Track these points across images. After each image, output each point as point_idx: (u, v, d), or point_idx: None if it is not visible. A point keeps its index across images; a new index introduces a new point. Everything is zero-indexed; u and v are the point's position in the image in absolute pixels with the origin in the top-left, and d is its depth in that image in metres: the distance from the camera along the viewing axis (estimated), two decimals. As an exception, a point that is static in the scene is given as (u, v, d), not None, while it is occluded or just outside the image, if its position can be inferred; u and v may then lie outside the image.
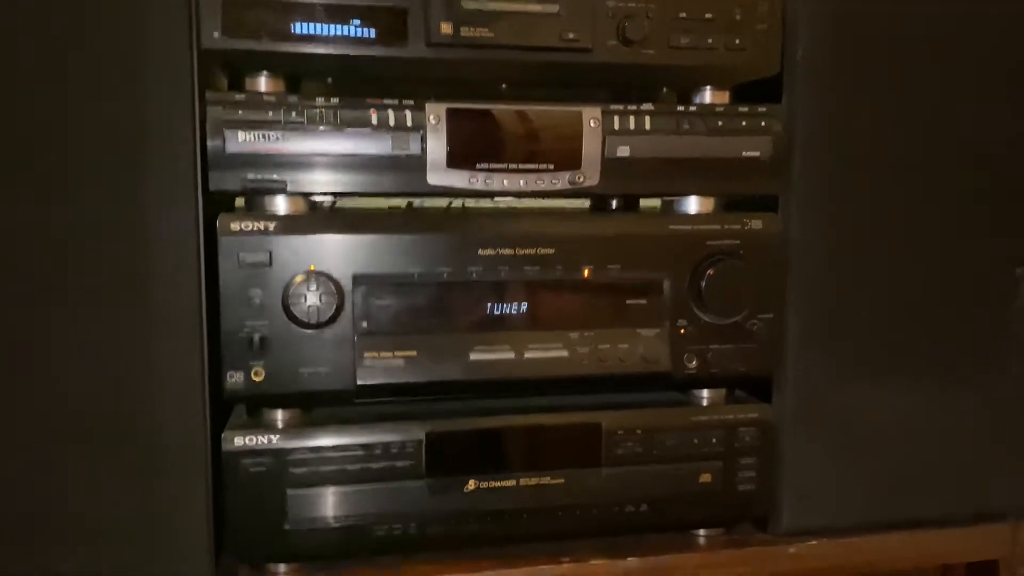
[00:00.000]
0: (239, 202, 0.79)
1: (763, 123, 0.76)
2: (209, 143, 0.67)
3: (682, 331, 0.77)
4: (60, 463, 0.67)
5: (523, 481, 0.75)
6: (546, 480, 0.75)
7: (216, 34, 0.65)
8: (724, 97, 0.79)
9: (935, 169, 0.80)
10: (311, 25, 0.67)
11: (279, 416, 0.73)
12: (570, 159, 0.73)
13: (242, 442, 0.70)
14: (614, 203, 0.92)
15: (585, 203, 0.96)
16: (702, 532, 0.81)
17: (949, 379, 0.82)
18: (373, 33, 0.68)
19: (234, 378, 0.69)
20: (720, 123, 0.75)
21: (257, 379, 0.70)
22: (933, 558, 0.85)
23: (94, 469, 0.67)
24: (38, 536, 0.67)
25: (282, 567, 0.74)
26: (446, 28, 0.68)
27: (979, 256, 0.82)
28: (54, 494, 0.67)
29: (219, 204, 0.72)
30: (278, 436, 0.71)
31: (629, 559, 0.77)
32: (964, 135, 0.80)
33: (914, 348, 0.81)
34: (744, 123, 0.76)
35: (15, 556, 0.67)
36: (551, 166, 0.73)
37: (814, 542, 0.80)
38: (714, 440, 0.78)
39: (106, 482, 0.68)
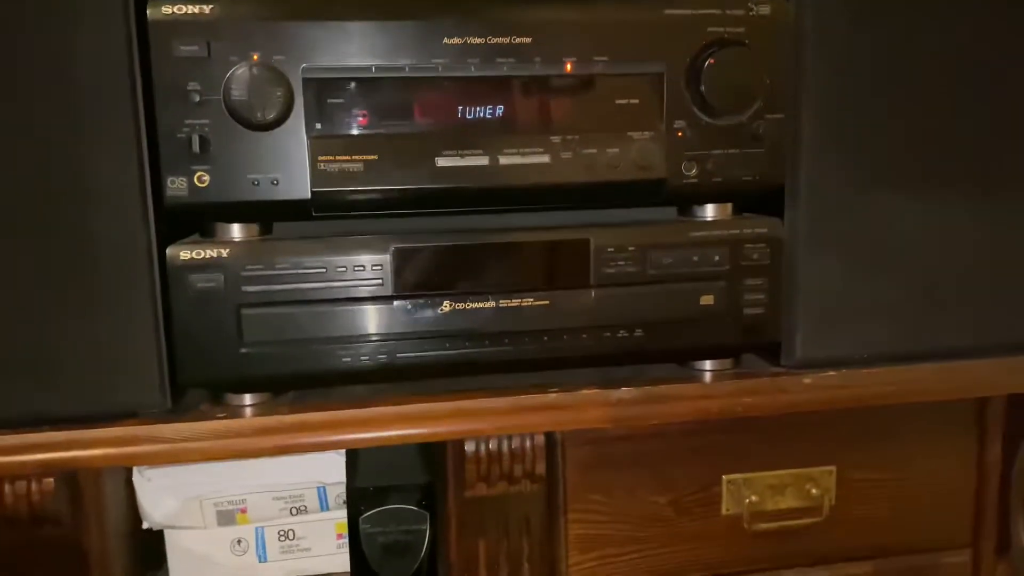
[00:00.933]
0: None
1: None
2: (131, -87, 0.59)
3: (680, 134, 0.68)
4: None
5: (503, 303, 0.68)
6: (528, 302, 0.68)
7: None
8: None
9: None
10: None
11: (234, 232, 0.67)
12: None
13: (189, 255, 0.64)
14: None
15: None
16: (707, 365, 0.74)
17: (987, 189, 0.72)
18: None
19: (176, 184, 0.63)
20: None
21: (201, 185, 0.63)
22: (968, 391, 0.76)
23: (31, 295, 0.62)
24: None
25: (246, 398, 0.68)
26: None
27: (1020, 55, 0.71)
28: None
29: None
30: (228, 250, 0.64)
31: (622, 389, 0.69)
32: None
33: (947, 152, 0.71)
34: None
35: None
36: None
37: (832, 373, 0.72)
38: (716, 259, 0.70)
39: (46, 310, 0.62)
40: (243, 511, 0.79)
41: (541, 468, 0.70)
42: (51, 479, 0.64)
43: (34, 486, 0.64)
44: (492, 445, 0.69)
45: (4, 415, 0.63)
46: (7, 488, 0.63)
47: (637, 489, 0.77)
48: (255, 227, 0.67)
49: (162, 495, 0.77)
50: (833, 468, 0.79)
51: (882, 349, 0.73)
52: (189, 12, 0.61)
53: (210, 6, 0.61)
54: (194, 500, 0.78)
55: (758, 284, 0.71)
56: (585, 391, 0.69)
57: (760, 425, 0.77)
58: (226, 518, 0.79)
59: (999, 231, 0.74)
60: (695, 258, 0.70)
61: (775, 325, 0.72)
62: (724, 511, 0.78)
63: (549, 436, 0.72)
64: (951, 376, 0.74)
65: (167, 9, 0.61)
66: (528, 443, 0.69)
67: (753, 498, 0.77)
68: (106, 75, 0.61)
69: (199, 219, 0.68)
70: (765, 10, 0.67)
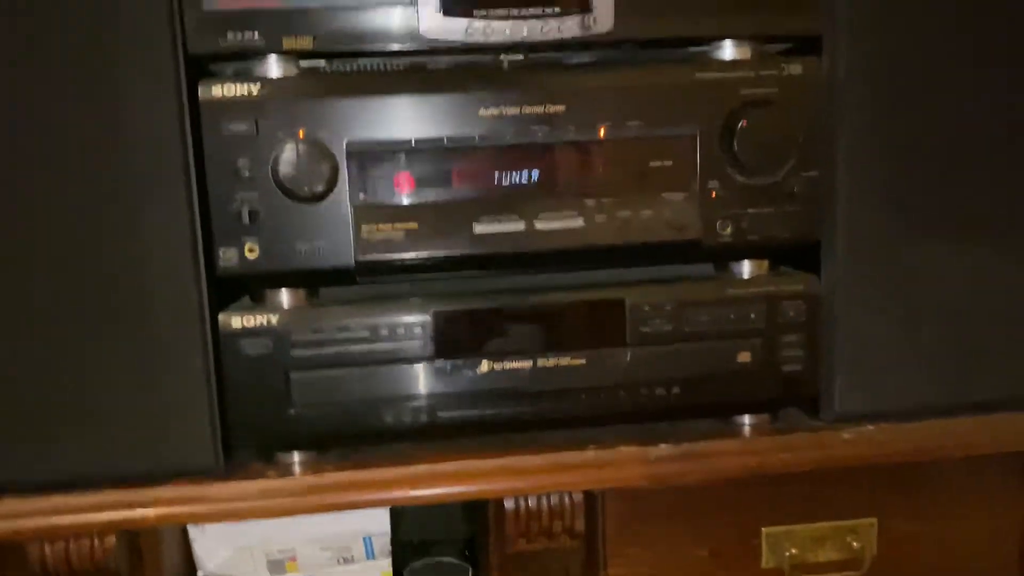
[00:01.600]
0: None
1: (802, -51, 0.66)
2: (184, 1, 0.63)
3: (713, 194, 0.69)
4: (47, 352, 0.64)
5: (540, 362, 0.69)
6: (565, 362, 0.70)
7: None
8: (758, -75, 0.69)
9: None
10: None
11: (283, 297, 0.70)
12: None
13: (240, 323, 0.67)
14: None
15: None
16: (745, 419, 0.74)
17: (1026, 238, 0.72)
18: None
19: (227, 255, 0.66)
20: (751, -49, 0.66)
21: (251, 256, 0.66)
22: (1012, 444, 0.75)
23: (86, 359, 0.65)
24: (30, 433, 0.65)
25: (295, 456, 0.71)
26: None
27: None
28: (43, 388, 0.65)
29: (206, 70, 0.67)
30: (277, 316, 0.67)
31: (661, 446, 0.70)
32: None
33: (986, 203, 0.71)
34: (779, -50, 0.66)
35: (10, 458, 0.65)
36: (557, 8, 0.65)
37: (871, 427, 0.72)
38: (752, 316, 0.70)
39: (101, 373, 0.65)
40: (293, 560, 0.82)
41: (580, 524, 0.71)
42: (112, 536, 0.68)
43: (96, 543, 0.67)
44: (531, 502, 0.70)
45: (65, 474, 0.66)
46: (72, 546, 0.67)
47: (676, 542, 0.77)
48: (302, 291, 0.70)
49: (216, 545, 0.80)
50: (874, 520, 0.78)
51: (923, 402, 0.73)
52: (238, 93, 0.64)
53: (258, 86, 0.64)
54: (246, 550, 0.80)
55: (795, 340, 0.71)
56: (623, 448, 0.70)
57: (799, 476, 0.77)
58: (277, 567, 0.82)
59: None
60: (731, 316, 0.71)
61: (813, 381, 0.72)
62: (764, 564, 0.78)
63: (588, 492, 0.73)
64: (994, 429, 0.73)
65: (217, 91, 0.64)
66: (567, 500, 0.70)
67: (793, 551, 0.77)
68: (161, 152, 0.64)
69: (249, 286, 0.71)
70: (796, 69, 0.68)
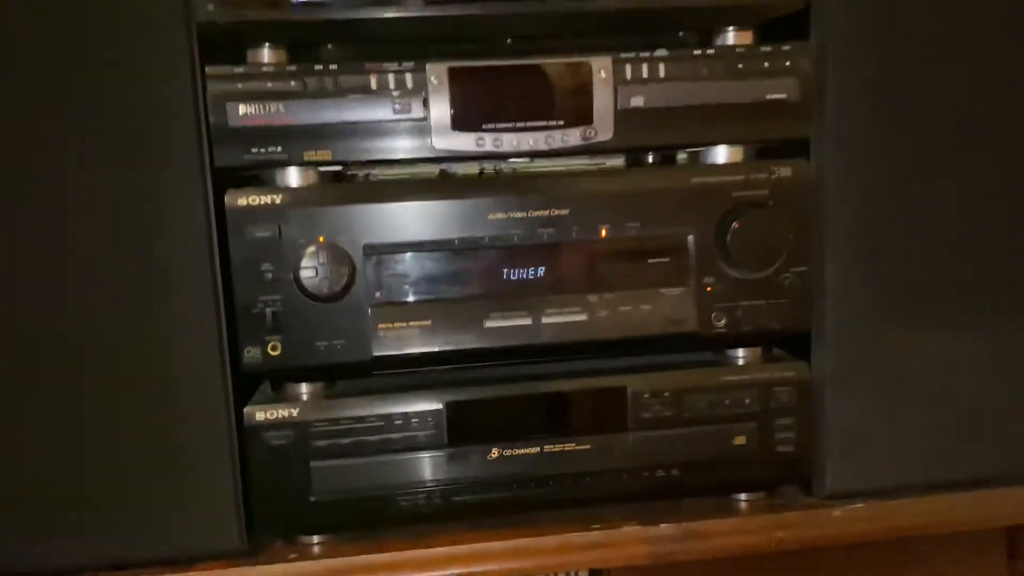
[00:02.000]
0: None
1: (788, 63, 0.71)
2: (211, 119, 0.67)
3: (709, 288, 0.73)
4: (80, 441, 0.68)
5: (547, 448, 0.73)
6: (571, 447, 0.74)
7: (210, 6, 0.65)
8: (747, 37, 0.74)
9: (982, 105, 0.73)
10: (304, -9, 0.65)
11: (302, 389, 0.74)
12: (581, 113, 0.70)
13: (263, 416, 0.71)
14: (650, 158, 0.87)
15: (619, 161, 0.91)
16: (742, 496, 0.78)
17: (1005, 324, 0.76)
18: (368, -6, 0.66)
19: (251, 353, 0.70)
20: (741, 65, 0.70)
21: (274, 353, 0.70)
22: (996, 520, 0.79)
23: (119, 447, 0.69)
24: (66, 517, 0.69)
25: (315, 539, 0.75)
26: (442, -17, 0.65)
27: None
28: (74, 472, 0.68)
29: (231, 178, 0.71)
30: (298, 409, 0.71)
31: (662, 525, 0.74)
32: (1016, 69, 0.73)
33: (964, 293, 0.75)
34: (767, 64, 0.71)
35: (40, 538, 0.69)
36: (561, 122, 0.70)
37: (861, 504, 0.76)
38: (747, 401, 0.75)
39: (132, 461, 0.69)
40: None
41: (586, 602, 0.75)
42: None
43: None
44: (540, 581, 0.74)
45: (97, 558, 0.70)
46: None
47: (679, 613, 0.81)
48: (320, 383, 0.74)
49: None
50: (867, 590, 0.82)
51: (912, 479, 0.77)
52: (263, 201, 0.69)
53: (280, 195, 0.69)
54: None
55: (788, 423, 0.75)
56: (626, 527, 0.74)
57: (795, 550, 0.80)
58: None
59: (1016, 361, 0.77)
60: (727, 401, 0.75)
61: (807, 461, 0.76)
62: (763, 634, 0.82)
63: (594, 570, 0.77)
64: (982, 505, 0.77)
65: (243, 199, 0.68)
66: (574, 578, 0.74)
67: (790, 622, 0.81)
68: (191, 255, 0.68)
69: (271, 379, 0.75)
70: (786, 172, 0.73)
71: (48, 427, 0.68)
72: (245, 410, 0.71)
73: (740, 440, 0.75)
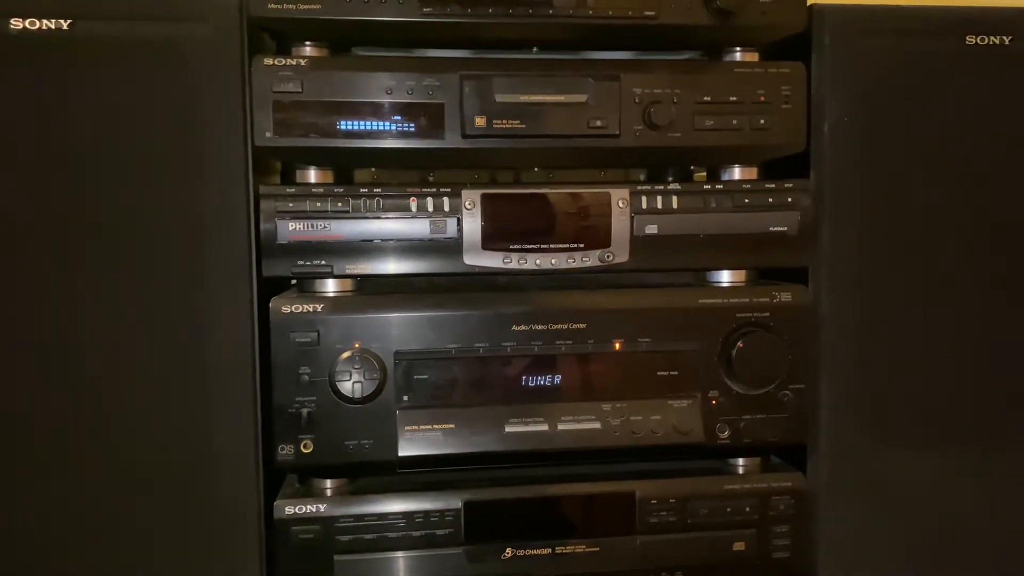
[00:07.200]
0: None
1: (790, 198, 0.78)
2: (262, 233, 0.73)
3: (714, 401, 0.79)
4: (124, 533, 0.72)
5: (558, 549, 0.78)
6: (581, 548, 0.78)
7: (268, 134, 0.71)
8: (752, 173, 0.81)
9: (968, 239, 0.80)
10: (356, 123, 0.72)
11: (327, 484, 0.78)
12: (600, 238, 0.76)
13: (292, 511, 0.75)
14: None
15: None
16: (740, 600, 0.82)
17: (990, 443, 0.82)
18: (413, 127, 0.73)
19: (285, 451, 0.74)
20: (746, 199, 0.78)
21: (306, 451, 0.74)
22: (978, 628, 0.84)
23: (155, 537, 0.72)
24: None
25: (334, 627, 0.78)
26: (480, 121, 0.73)
27: (1018, 321, 0.81)
28: (121, 563, 0.72)
29: (273, 285, 0.77)
30: (325, 505, 0.75)
31: (664, 628, 0.78)
32: (998, 201, 0.80)
33: (952, 412, 0.81)
34: (770, 199, 0.78)
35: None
36: (582, 245, 0.76)
37: (853, 611, 0.80)
38: (747, 508, 0.79)
39: (170, 551, 0.73)
40: None
41: None
42: None
43: None
44: None
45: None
46: None
47: None
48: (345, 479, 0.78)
49: None
50: None
51: (901, 589, 0.82)
52: (305, 308, 0.74)
53: (321, 305, 0.74)
54: None
55: (785, 531, 0.80)
56: (631, 628, 0.78)
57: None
58: None
59: (999, 478, 0.82)
60: (728, 508, 0.79)
61: (802, 566, 0.80)
62: None
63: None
64: (965, 614, 0.82)
65: (287, 307, 0.74)
66: (581, 677, 0.77)
67: None
68: (234, 359, 0.72)
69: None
70: (787, 297, 0.79)
71: (93, 516, 0.72)
72: (275, 504, 0.75)
73: (739, 546, 0.79)
